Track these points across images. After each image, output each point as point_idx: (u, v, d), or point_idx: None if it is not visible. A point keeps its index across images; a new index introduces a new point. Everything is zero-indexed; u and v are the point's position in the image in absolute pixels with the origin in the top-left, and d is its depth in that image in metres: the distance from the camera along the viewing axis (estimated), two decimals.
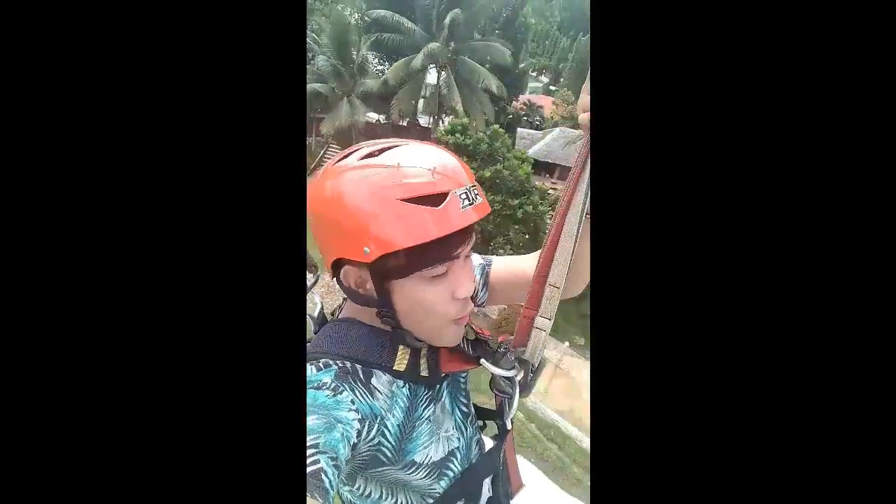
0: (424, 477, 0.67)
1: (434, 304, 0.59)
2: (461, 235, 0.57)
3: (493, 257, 0.83)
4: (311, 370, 0.59)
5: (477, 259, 0.80)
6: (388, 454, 0.62)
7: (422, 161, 0.56)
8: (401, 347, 0.64)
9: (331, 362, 0.60)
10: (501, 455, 0.79)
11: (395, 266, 0.56)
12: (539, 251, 0.65)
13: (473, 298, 0.68)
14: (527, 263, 0.77)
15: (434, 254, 0.56)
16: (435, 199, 0.53)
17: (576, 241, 0.60)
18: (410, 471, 0.65)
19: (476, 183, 0.59)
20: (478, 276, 0.78)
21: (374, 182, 0.54)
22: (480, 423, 0.83)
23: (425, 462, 0.66)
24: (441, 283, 0.58)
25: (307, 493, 0.43)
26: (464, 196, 0.55)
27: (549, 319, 0.64)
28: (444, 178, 0.55)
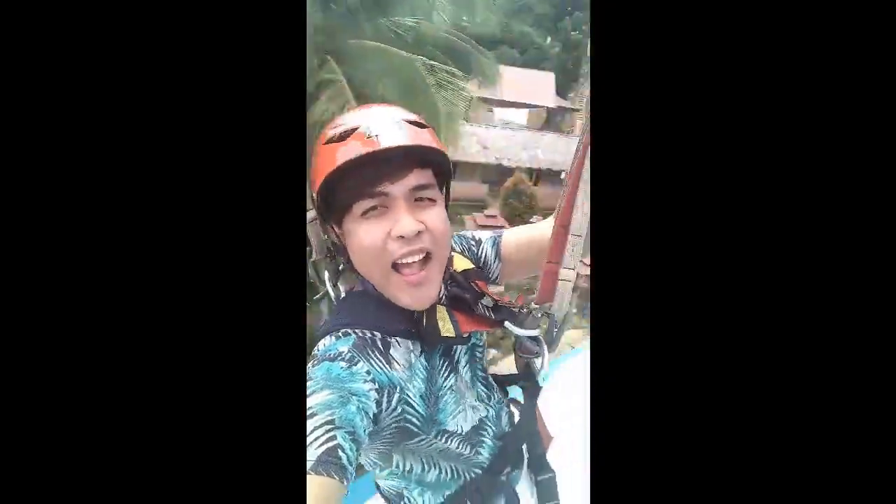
0: (460, 446, 0.67)
1: (370, 243, 0.58)
2: (383, 169, 0.57)
3: (505, 229, 0.82)
4: (329, 340, 0.60)
5: (486, 233, 0.82)
6: (418, 423, 0.61)
7: (359, 113, 0.61)
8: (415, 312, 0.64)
9: (350, 331, 0.60)
10: (538, 418, 0.79)
11: (335, 207, 0.60)
12: (551, 216, 0.65)
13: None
14: (540, 228, 0.76)
15: (357, 187, 0.58)
16: (345, 136, 0.58)
17: None
18: (445, 440, 0.65)
19: (406, 118, 0.60)
20: (489, 249, 0.79)
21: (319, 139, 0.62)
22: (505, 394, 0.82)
23: (458, 431, 0.67)
24: (376, 221, 0.58)
25: (323, 472, 0.42)
26: (374, 128, 0.57)
27: (573, 270, 0.62)
28: (357, 117, 0.60)
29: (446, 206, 0.66)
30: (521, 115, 17.33)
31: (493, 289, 0.75)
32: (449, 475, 0.69)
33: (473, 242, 0.82)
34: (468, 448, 0.68)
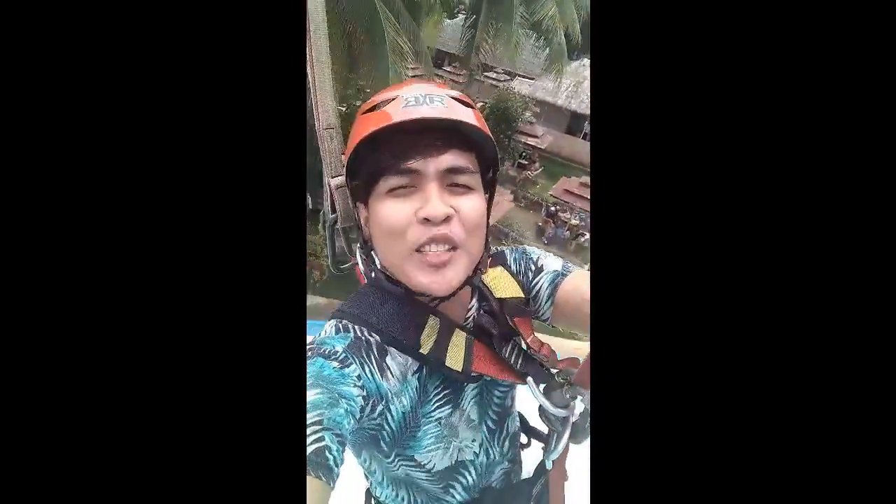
0: (427, 479, 0.63)
1: (392, 223, 0.53)
2: (414, 144, 0.52)
3: (577, 269, 0.69)
4: (330, 329, 0.58)
5: (554, 264, 0.70)
6: (388, 439, 0.58)
7: (402, 87, 0.57)
8: (428, 324, 0.59)
9: (350, 327, 0.57)
10: (538, 489, 0.72)
11: (361, 181, 0.57)
12: None
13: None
14: None
15: (385, 160, 0.53)
16: (381, 105, 0.55)
17: None
18: (411, 466, 0.62)
19: (451, 94, 0.55)
20: (545, 283, 0.68)
21: None
22: (524, 440, 0.76)
23: (426, 465, 0.62)
24: (402, 199, 0.53)
25: (310, 473, 0.42)
26: (411, 98, 0.53)
27: None
28: (398, 88, 0.56)
29: (489, 201, 0.58)
30: None
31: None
32: None
33: (533, 268, 0.70)
34: (435, 486, 0.64)
